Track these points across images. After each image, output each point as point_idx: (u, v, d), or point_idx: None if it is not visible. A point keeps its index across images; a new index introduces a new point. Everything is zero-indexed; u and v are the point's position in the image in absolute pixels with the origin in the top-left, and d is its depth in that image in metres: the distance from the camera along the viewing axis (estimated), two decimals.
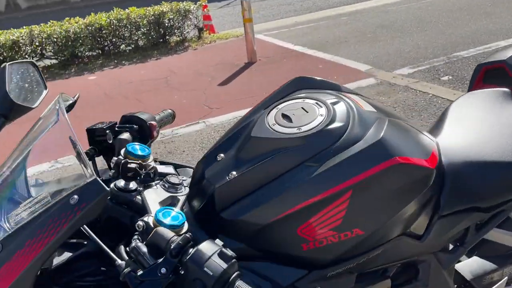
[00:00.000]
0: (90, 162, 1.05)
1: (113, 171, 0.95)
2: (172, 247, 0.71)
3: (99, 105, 5.28)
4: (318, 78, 1.14)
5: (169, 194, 0.90)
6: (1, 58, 6.85)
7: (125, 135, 1.05)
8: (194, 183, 1.01)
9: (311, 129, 0.93)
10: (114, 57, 7.50)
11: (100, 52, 7.64)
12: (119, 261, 0.73)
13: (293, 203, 0.88)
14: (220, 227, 0.92)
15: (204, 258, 0.70)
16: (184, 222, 0.79)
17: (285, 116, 0.98)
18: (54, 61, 7.40)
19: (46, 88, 1.16)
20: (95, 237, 0.77)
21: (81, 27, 7.25)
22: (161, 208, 0.81)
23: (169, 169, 0.98)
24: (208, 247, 0.72)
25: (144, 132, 1.09)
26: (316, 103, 1.00)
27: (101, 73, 6.81)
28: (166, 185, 0.91)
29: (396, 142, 0.91)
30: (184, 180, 0.97)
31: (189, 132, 4.19)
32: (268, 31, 8.18)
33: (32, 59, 7.14)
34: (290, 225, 0.89)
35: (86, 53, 7.53)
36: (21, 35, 6.99)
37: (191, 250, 0.71)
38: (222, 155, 1.00)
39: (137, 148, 0.99)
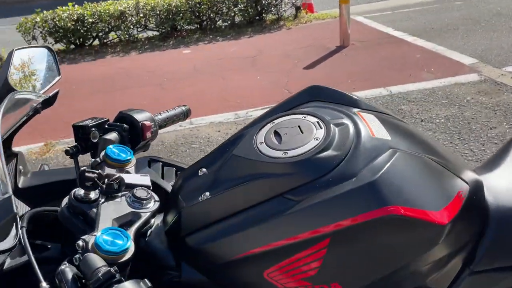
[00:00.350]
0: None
1: None
2: (92, 280, 0.63)
3: (186, 79, 5.43)
4: (337, 90, 0.96)
5: (130, 210, 0.82)
6: (109, 27, 7.37)
7: (111, 135, 0.98)
8: (171, 195, 0.92)
9: (299, 155, 0.78)
10: (210, 32, 7.65)
11: (198, 26, 7.84)
12: (44, 283, 0.67)
13: (262, 241, 0.75)
14: (183, 252, 0.82)
15: None
16: (126, 249, 0.71)
17: (276, 135, 0.84)
18: (155, 33, 7.76)
19: (59, 74, 1.14)
20: (29, 250, 0.72)
21: (182, 1, 7.48)
22: (107, 228, 0.73)
23: (143, 180, 0.90)
24: None
25: (135, 133, 1.02)
26: (317, 122, 0.84)
27: (196, 47, 6.99)
28: (130, 199, 0.83)
29: (398, 185, 0.72)
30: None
31: None
32: (369, 13, 7.68)
33: (137, 30, 7.58)
34: (256, 266, 0.76)
35: (185, 27, 7.78)
36: (128, 6, 7.42)
37: None
38: (204, 169, 0.89)
39: (116, 151, 0.92)
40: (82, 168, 0.80)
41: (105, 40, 7.57)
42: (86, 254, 0.67)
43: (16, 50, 1.04)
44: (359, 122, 0.83)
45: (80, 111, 4.71)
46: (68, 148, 0.96)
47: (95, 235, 0.72)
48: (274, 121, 0.88)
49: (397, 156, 0.76)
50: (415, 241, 0.73)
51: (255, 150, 0.82)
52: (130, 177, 0.87)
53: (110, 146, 0.92)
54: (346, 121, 0.84)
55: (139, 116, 1.03)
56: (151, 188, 0.87)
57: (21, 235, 0.74)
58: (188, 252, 0.81)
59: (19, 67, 1.04)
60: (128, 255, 0.71)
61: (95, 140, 0.97)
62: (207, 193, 0.83)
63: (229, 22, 7.87)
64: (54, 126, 4.28)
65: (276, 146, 0.81)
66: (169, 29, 7.60)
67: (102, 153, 0.91)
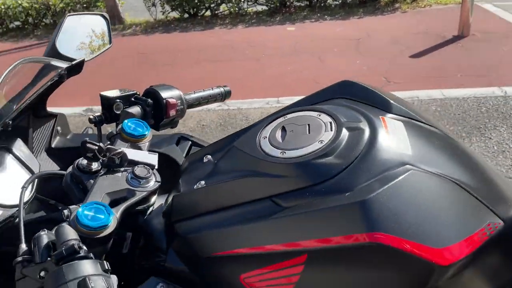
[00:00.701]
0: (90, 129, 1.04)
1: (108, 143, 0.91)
2: (56, 252, 0.64)
3: (284, 56, 5.38)
4: (370, 87, 0.85)
5: (126, 187, 0.81)
6: None
7: (134, 109, 0.98)
8: (177, 178, 0.90)
9: (296, 157, 0.70)
10: (319, 10, 7.44)
11: (308, 3, 7.67)
12: (23, 245, 0.70)
13: (242, 243, 0.69)
14: (171, 238, 0.80)
15: (58, 282, 0.60)
16: (105, 226, 0.70)
17: (283, 131, 0.77)
18: (264, 7, 7.78)
19: (110, 43, 1.17)
20: (21, 208, 0.75)
21: None
22: (92, 202, 0.73)
23: (149, 158, 0.89)
24: (76, 269, 0.61)
25: (159, 109, 1.01)
26: (330, 122, 0.74)
27: (301, 25, 6.87)
28: (129, 176, 0.83)
29: (397, 208, 0.60)
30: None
31: None
32: (500, 0, 6.80)
33: (247, 3, 7.66)
34: (233, 268, 0.71)
35: (294, 3, 7.66)
36: None
37: (61, 265, 0.62)
38: (209, 157, 0.86)
39: (132, 126, 0.92)
40: (85, 139, 0.82)
41: (216, 12, 7.81)
42: (61, 224, 0.68)
43: (69, 16, 1.09)
44: (379, 128, 0.72)
45: (181, 78, 4.95)
46: (92, 116, 0.98)
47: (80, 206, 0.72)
48: (287, 115, 0.81)
49: (409, 174, 0.64)
50: (404, 279, 0.61)
51: (255, 144, 0.76)
52: (135, 154, 0.86)
53: (126, 120, 0.92)
54: (363, 125, 0.73)
55: (165, 93, 1.01)
56: (155, 167, 0.86)
57: (21, 194, 0.77)
58: (175, 239, 0.79)
59: (69, 33, 1.08)
60: (106, 232, 0.71)
61: (118, 112, 0.98)
62: (203, 182, 0.79)
63: (340, 0, 7.57)
64: None
65: (277, 144, 0.74)
66: (278, 4, 7.56)
67: (120, 125, 0.92)
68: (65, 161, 1.05)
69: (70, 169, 0.84)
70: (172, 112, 1.01)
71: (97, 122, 0.99)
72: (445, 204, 0.64)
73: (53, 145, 1.08)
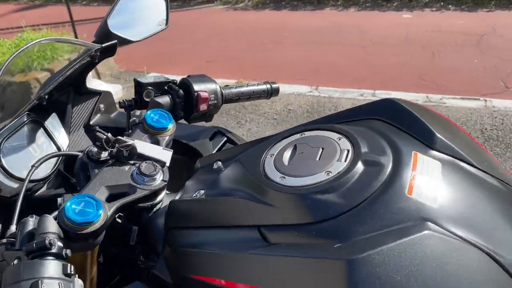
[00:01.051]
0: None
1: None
2: (28, 243, 0.63)
3: (392, 46, 5.01)
4: (417, 111, 0.69)
5: (128, 182, 0.77)
6: None
7: (163, 99, 0.94)
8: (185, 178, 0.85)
9: (295, 186, 0.60)
10: None
11: None
12: (13, 226, 0.70)
13: (218, 273, 0.62)
14: (164, 244, 0.75)
15: (13, 278, 0.58)
16: (90, 222, 0.67)
17: (293, 150, 0.66)
18: None
19: (166, 25, 1.14)
20: (23, 188, 0.75)
21: None
22: (85, 194, 0.71)
23: (161, 154, 0.83)
24: (34, 269, 0.58)
25: (190, 102, 0.95)
26: (347, 150, 0.62)
27: (420, 13, 6.32)
28: (135, 172, 0.79)
29: (393, 281, 0.48)
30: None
31: (460, 107, 3.49)
32: None
33: None
34: None
35: None
36: None
37: (17, 261, 0.60)
38: (220, 163, 0.79)
39: (155, 117, 0.88)
40: (95, 126, 0.79)
41: None
42: (44, 215, 0.67)
43: None
44: (404, 167, 0.58)
45: (282, 59, 4.90)
46: (122, 100, 0.96)
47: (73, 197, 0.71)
48: (305, 133, 0.70)
49: (425, 236, 0.51)
50: None
51: (259, 162, 0.67)
52: (147, 148, 0.82)
53: (150, 110, 0.88)
54: (386, 160, 0.60)
55: (199, 85, 0.96)
56: (166, 165, 0.81)
57: (28, 173, 0.78)
58: (166, 246, 0.74)
59: (124, 12, 1.07)
60: (90, 229, 0.68)
61: (147, 100, 0.95)
62: (202, 192, 0.73)
63: None
64: (258, 70, 4.58)
65: (280, 166, 0.64)
66: None
67: (146, 113, 0.89)
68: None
69: (81, 154, 0.83)
70: (203, 106, 0.95)
71: (126, 107, 0.97)
72: (462, 278, 0.49)
73: (91, 122, 1.09)
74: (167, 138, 0.87)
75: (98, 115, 1.12)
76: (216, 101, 0.98)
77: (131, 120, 0.96)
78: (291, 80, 4.18)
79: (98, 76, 4.44)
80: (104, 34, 1.03)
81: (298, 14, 6.87)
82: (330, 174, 0.59)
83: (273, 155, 0.67)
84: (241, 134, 3.30)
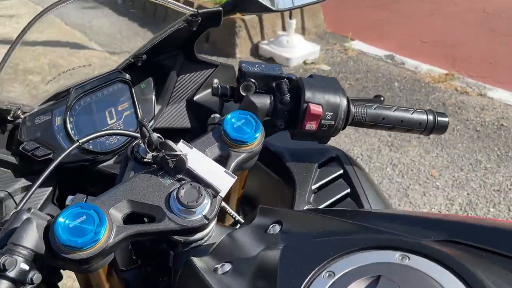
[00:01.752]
0: None
1: None
2: None
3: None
4: None
5: (160, 205, 0.55)
6: None
7: (262, 99, 0.67)
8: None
9: None
10: None
11: None
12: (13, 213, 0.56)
13: None
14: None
15: None
16: (84, 248, 0.49)
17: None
18: None
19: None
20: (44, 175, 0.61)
21: None
22: (89, 205, 0.52)
23: (218, 179, 0.56)
24: None
25: (295, 113, 0.65)
26: None
27: None
28: (173, 194, 0.55)
29: None
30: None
31: None
32: None
33: None
34: None
35: None
36: None
37: None
38: (277, 228, 0.53)
39: (237, 122, 0.62)
40: (141, 118, 0.59)
41: None
42: (29, 218, 0.52)
43: None
44: None
45: None
46: (216, 85, 0.73)
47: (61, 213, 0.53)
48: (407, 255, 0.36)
49: None
50: None
51: (304, 279, 0.37)
52: (202, 164, 0.58)
53: (232, 113, 0.64)
54: None
55: (313, 93, 0.66)
56: (220, 196, 0.56)
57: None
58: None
59: None
60: (81, 255, 0.50)
61: (244, 94, 0.70)
62: (227, 267, 0.47)
63: None
64: (485, 66, 3.81)
65: None
66: None
67: (226, 115, 0.65)
68: (203, 118, 0.87)
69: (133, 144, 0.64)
70: (310, 125, 0.66)
71: (219, 96, 0.74)
72: None
73: (195, 98, 0.90)
74: (242, 155, 0.62)
75: (207, 91, 0.92)
76: (333, 122, 0.67)
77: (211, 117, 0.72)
78: None
79: (303, 32, 4.32)
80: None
81: None
82: None
83: (332, 274, 0.35)
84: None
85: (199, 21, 0.80)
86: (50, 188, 0.77)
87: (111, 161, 0.82)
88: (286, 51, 3.83)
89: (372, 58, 3.96)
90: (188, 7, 0.81)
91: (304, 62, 3.86)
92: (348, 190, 0.73)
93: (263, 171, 0.80)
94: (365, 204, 0.70)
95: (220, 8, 0.80)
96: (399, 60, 3.89)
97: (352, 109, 0.71)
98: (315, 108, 0.66)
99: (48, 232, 0.51)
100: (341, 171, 0.75)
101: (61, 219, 0.50)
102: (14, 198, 0.73)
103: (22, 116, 0.73)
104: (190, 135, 0.89)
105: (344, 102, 0.69)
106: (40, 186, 0.64)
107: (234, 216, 0.66)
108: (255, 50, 4.00)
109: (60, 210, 0.81)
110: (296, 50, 3.85)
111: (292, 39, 3.90)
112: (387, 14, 4.89)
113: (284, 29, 4.08)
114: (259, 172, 0.78)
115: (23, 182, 0.74)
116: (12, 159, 0.73)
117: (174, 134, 0.88)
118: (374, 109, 0.72)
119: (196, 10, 0.79)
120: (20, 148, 0.73)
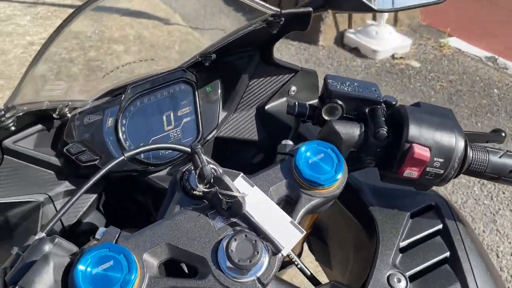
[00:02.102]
0: None
1: None
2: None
3: None
4: None
5: (206, 256, 0.43)
6: None
7: (350, 129, 0.52)
8: None
9: None
10: None
11: None
12: (38, 235, 0.48)
13: None
14: None
15: None
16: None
17: None
18: None
19: None
20: (72, 202, 0.52)
21: None
22: (120, 247, 0.42)
23: (281, 233, 0.43)
24: None
25: (393, 152, 0.49)
26: None
27: None
28: (222, 244, 0.43)
29: None
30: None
31: None
32: None
33: None
34: None
35: None
36: None
37: None
38: None
39: (313, 158, 0.48)
40: (195, 143, 0.47)
41: None
42: (46, 258, 0.43)
43: None
44: None
45: None
46: (292, 103, 0.59)
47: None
48: None
49: None
50: None
51: None
52: (264, 211, 0.45)
53: (308, 144, 0.51)
54: None
55: (420, 130, 0.50)
56: (282, 254, 0.44)
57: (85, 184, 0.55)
58: None
59: None
60: None
61: (327, 118, 0.55)
62: None
63: None
64: None
65: None
66: None
67: (300, 146, 0.51)
68: (273, 131, 0.74)
69: (185, 168, 0.53)
70: (410, 171, 0.50)
71: (295, 115, 0.60)
72: None
73: (267, 106, 0.77)
74: (316, 200, 0.48)
75: (282, 99, 0.79)
76: (442, 171, 0.50)
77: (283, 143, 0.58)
78: None
79: (394, 23, 3.99)
80: None
81: None
82: None
83: None
84: None
85: (282, 22, 0.66)
86: (95, 195, 0.69)
87: (164, 172, 0.73)
88: (374, 42, 3.55)
89: (470, 59, 3.55)
90: (269, 6, 0.67)
91: (393, 56, 3.56)
92: (447, 254, 0.56)
93: (339, 208, 0.66)
94: (467, 276, 0.54)
95: (310, 9, 0.65)
96: (501, 63, 3.46)
97: (470, 154, 0.54)
98: (421, 152, 0.50)
99: (67, 276, 0.42)
100: (440, 226, 0.59)
101: (81, 267, 0.40)
102: (55, 203, 0.66)
103: (69, 115, 0.65)
104: (255, 149, 0.77)
105: (460, 145, 0.52)
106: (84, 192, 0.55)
107: (303, 269, 0.53)
108: (339, 39, 3.76)
109: (104, 218, 0.73)
110: (385, 42, 3.56)
111: (382, 29, 3.61)
112: (493, 9, 4.38)
113: (374, 18, 3.79)
114: (333, 207, 0.65)
115: (66, 185, 0.67)
116: (55, 160, 0.66)
117: (238, 144, 0.76)
118: (500, 157, 0.54)
119: (279, 9, 0.65)
120: (64, 150, 0.65)
